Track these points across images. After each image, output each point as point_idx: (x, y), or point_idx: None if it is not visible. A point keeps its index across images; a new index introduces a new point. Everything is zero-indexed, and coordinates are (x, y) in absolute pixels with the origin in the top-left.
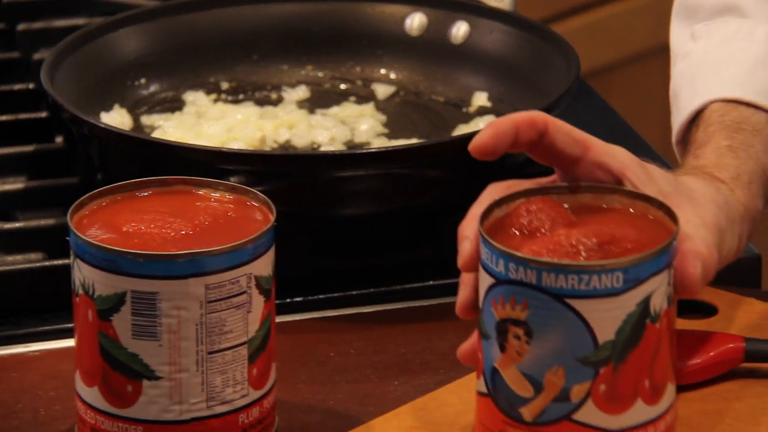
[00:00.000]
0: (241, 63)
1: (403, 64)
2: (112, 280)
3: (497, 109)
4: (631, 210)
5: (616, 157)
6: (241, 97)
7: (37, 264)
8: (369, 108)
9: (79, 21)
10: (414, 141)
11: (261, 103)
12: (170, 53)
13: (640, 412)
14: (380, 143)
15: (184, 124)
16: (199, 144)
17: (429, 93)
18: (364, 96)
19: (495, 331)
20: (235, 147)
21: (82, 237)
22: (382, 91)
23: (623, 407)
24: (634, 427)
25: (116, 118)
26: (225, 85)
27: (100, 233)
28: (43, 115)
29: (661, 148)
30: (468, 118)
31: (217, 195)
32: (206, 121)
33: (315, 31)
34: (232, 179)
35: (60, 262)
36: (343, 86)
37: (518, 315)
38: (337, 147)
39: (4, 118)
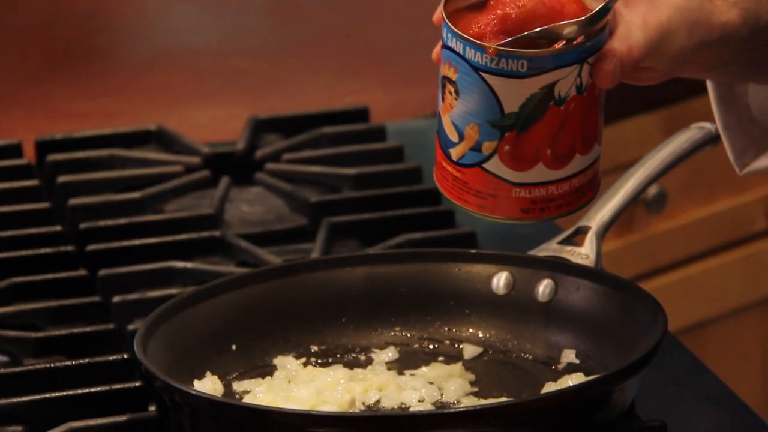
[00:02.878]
0: (329, 326)
1: (491, 323)
2: None
3: (586, 366)
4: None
5: None
6: (330, 360)
7: None
8: (457, 368)
9: (173, 291)
10: (503, 400)
11: (350, 365)
12: (260, 319)
13: (541, 173)
14: (469, 402)
15: (274, 388)
16: (289, 408)
17: (517, 351)
18: (453, 356)
19: (440, 83)
20: (325, 410)
21: None
22: (470, 350)
23: (524, 167)
24: (534, 183)
25: (208, 385)
26: (314, 348)
27: None
28: (137, 384)
29: (762, 408)
30: (557, 375)
31: None
32: (296, 385)
33: (402, 292)
34: None
35: None
36: (431, 346)
37: (451, 75)
38: (427, 408)
39: (99, 388)
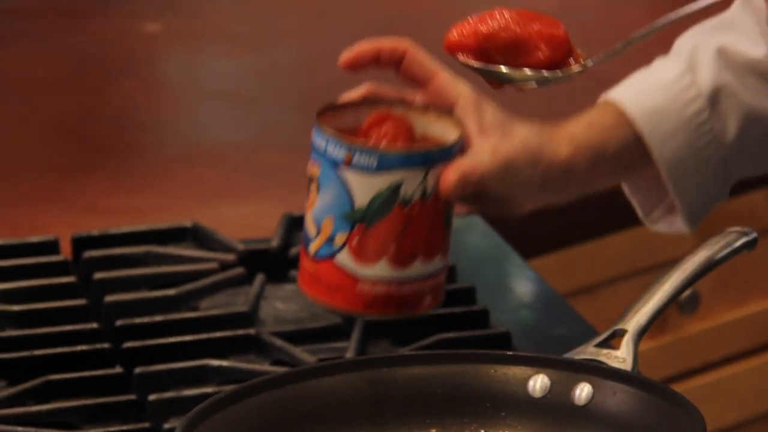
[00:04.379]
0: (365, 427)
1: (527, 426)
2: None
3: None
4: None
5: (456, 88)
6: None
7: None
8: None
9: (208, 389)
10: None
11: None
12: (295, 420)
13: (384, 269)
14: None
15: None
16: None
17: None
18: None
19: (307, 182)
20: None
21: None
22: None
23: (369, 261)
24: (376, 279)
25: None
26: None
27: None
28: None
29: None
30: None
31: None
32: None
33: (438, 393)
34: None
35: None
36: None
37: (315, 172)
38: None
39: None
